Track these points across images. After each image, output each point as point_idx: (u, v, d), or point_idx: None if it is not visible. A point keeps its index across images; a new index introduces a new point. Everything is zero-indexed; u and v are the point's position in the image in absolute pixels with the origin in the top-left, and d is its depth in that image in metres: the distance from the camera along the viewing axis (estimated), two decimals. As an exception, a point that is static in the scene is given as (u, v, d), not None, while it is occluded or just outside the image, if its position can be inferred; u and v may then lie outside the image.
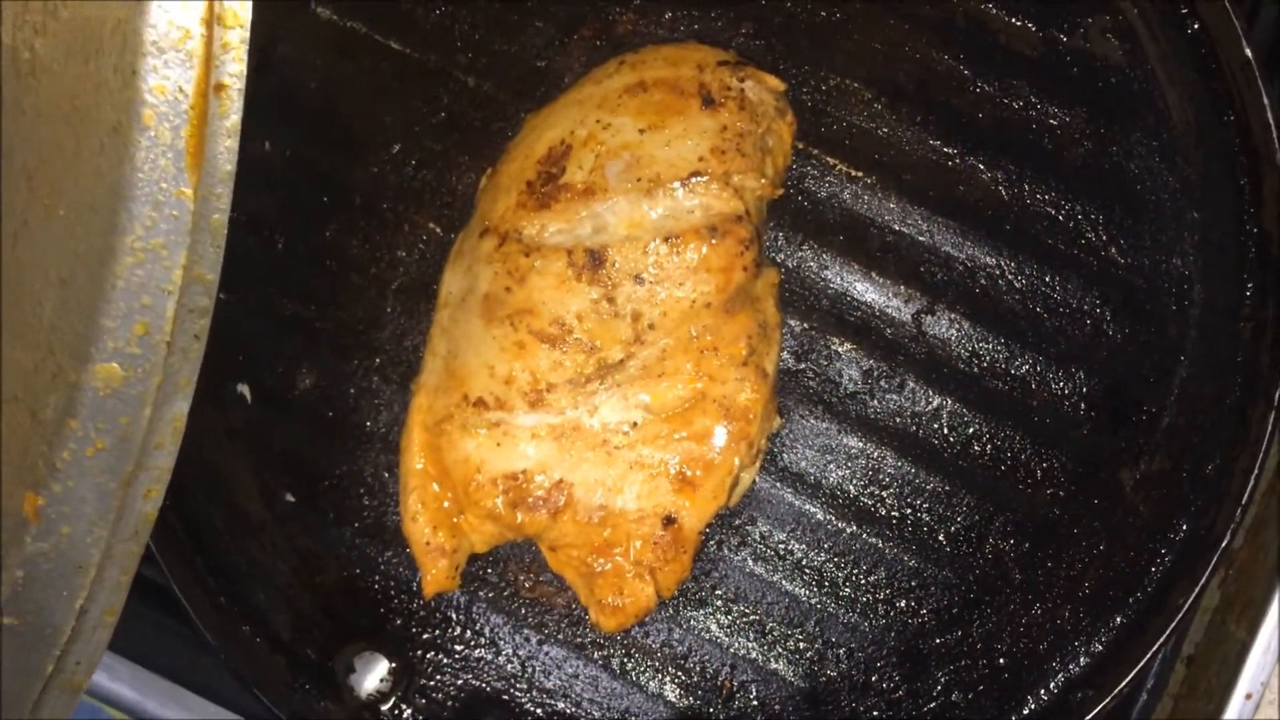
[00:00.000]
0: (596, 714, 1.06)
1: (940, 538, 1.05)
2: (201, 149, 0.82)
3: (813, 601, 1.05)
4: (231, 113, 0.82)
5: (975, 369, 1.06)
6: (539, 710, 1.06)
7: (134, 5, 0.78)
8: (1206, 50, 1.04)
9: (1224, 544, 0.99)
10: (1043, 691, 1.03)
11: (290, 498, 1.08)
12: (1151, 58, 1.06)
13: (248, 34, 0.81)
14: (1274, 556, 1.05)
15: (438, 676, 1.06)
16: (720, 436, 0.98)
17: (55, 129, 0.78)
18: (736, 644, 1.06)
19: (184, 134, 0.81)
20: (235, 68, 0.82)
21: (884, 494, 1.06)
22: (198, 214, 0.82)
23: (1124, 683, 0.99)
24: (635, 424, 0.98)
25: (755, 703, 1.05)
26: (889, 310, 1.06)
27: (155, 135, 0.80)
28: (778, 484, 1.06)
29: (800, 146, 1.07)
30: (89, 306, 0.81)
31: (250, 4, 0.81)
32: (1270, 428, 1.00)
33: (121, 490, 0.83)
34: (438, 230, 1.09)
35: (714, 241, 0.97)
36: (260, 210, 1.09)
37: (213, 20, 0.80)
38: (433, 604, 1.07)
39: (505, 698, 1.06)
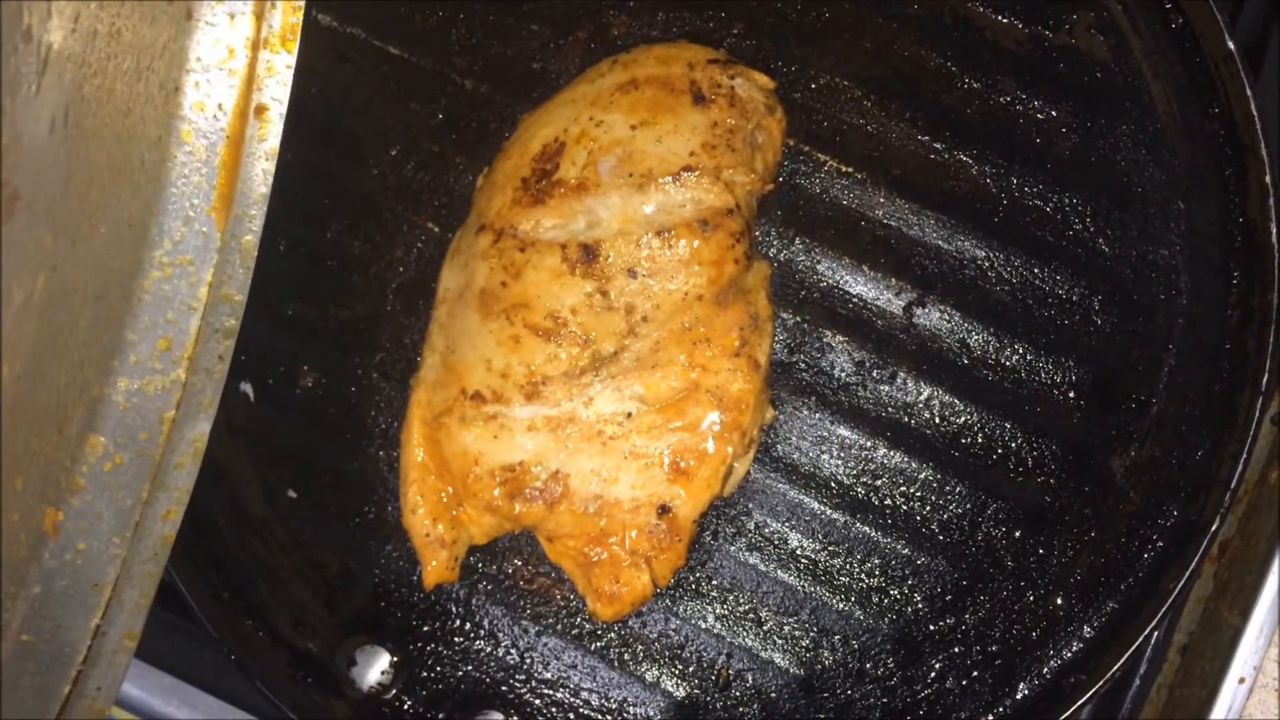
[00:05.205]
0: (595, 703, 1.07)
1: (933, 526, 1.06)
2: (236, 168, 0.82)
3: (807, 590, 1.06)
4: (271, 136, 0.83)
5: (966, 359, 1.07)
6: (538, 700, 1.07)
7: (184, 23, 0.78)
8: (1190, 44, 1.05)
9: (1213, 529, 1.00)
10: (1035, 677, 1.04)
11: (292, 493, 1.10)
12: (1136, 52, 1.07)
13: (294, 60, 0.81)
14: (1265, 543, 1.06)
15: (438, 668, 1.08)
16: (713, 426, 0.99)
17: (107, 146, 0.78)
18: (733, 633, 1.07)
19: (220, 151, 0.81)
20: (279, 91, 0.82)
21: (877, 483, 1.07)
22: (228, 233, 0.82)
23: (1116, 666, 1.00)
24: (630, 415, 0.99)
25: (752, 691, 1.06)
26: (880, 302, 1.08)
27: (191, 151, 0.80)
28: (772, 475, 1.07)
29: (791, 143, 1.09)
30: (116, 320, 0.80)
31: (300, 31, 0.81)
32: (1258, 414, 1.01)
33: (139, 509, 0.82)
34: (436, 229, 1.11)
35: (705, 235, 0.98)
36: (262, 212, 1.11)
37: (259, 43, 0.80)
38: (432, 597, 1.08)
39: (505, 688, 1.07)
